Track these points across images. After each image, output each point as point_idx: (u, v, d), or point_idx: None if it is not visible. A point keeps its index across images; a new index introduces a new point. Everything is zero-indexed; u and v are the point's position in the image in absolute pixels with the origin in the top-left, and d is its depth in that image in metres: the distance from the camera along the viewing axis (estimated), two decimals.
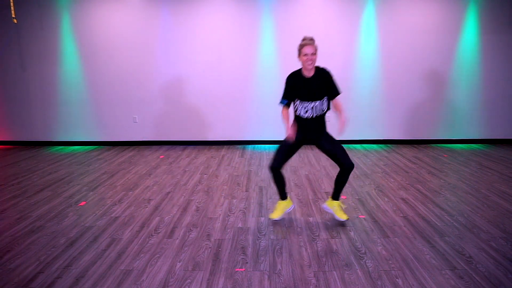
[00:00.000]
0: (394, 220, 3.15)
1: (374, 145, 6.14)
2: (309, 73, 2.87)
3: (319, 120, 2.94)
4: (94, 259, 2.56)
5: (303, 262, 2.51)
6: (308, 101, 2.86)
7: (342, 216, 3.07)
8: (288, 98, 2.94)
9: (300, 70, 2.94)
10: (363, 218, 3.21)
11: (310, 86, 2.85)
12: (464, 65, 5.96)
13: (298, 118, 2.96)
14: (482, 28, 5.83)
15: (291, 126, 2.94)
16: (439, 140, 6.22)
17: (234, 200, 3.66)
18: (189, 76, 6.04)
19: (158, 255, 2.61)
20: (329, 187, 4.03)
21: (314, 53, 2.80)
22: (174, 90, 6.09)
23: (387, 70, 5.98)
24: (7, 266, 2.50)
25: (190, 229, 3.02)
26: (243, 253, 2.63)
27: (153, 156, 5.54)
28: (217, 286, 2.25)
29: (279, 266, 2.46)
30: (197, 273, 2.39)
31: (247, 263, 2.51)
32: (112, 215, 3.32)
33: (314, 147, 6.00)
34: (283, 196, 3.11)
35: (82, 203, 3.62)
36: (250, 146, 6.16)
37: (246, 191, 3.93)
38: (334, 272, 2.39)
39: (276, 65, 5.97)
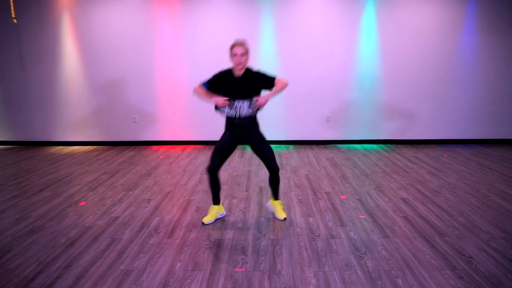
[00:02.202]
0: (394, 220, 3.16)
1: (374, 145, 6.14)
2: (239, 72, 2.98)
3: (248, 120, 2.98)
4: (94, 259, 2.56)
5: (303, 262, 2.51)
6: (234, 99, 2.93)
7: (281, 215, 3.19)
8: (210, 84, 3.02)
9: (231, 69, 3.03)
10: (363, 218, 3.21)
11: (237, 85, 2.93)
12: (464, 65, 5.96)
13: (227, 118, 3.04)
14: (482, 28, 5.84)
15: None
16: (439, 140, 6.22)
17: (234, 200, 3.66)
18: (189, 76, 6.04)
19: (158, 255, 2.61)
20: (329, 187, 4.03)
21: (244, 54, 2.90)
22: (174, 90, 6.09)
23: (387, 70, 5.98)
24: (7, 266, 2.50)
25: (190, 229, 3.02)
26: (243, 253, 2.63)
27: (153, 156, 5.55)
28: (217, 286, 2.25)
29: (279, 266, 2.46)
30: (197, 273, 2.39)
31: (247, 263, 2.51)
32: (112, 215, 3.32)
33: (314, 147, 6.03)
34: (216, 200, 3.17)
35: (82, 203, 3.62)
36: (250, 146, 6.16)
37: (246, 191, 3.93)
38: (334, 272, 2.39)
39: (276, 65, 5.97)
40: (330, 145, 6.17)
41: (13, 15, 5.61)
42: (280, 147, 6.08)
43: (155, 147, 6.13)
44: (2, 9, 5.82)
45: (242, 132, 3.02)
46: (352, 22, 5.85)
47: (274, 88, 2.91)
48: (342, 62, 5.96)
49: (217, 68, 6.06)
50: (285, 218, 3.19)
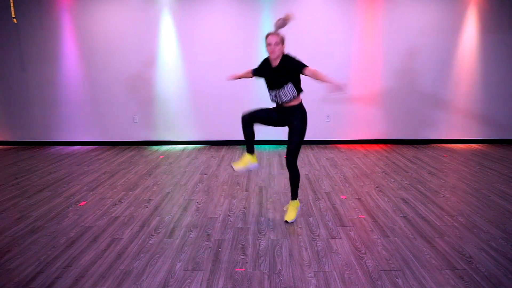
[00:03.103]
0: (394, 220, 3.15)
1: (374, 145, 6.14)
2: (274, 62, 2.94)
3: (289, 108, 2.97)
4: (94, 259, 2.56)
5: (303, 262, 2.51)
6: (271, 89, 2.97)
7: (287, 216, 3.14)
8: (257, 70, 3.06)
9: (269, 58, 3.00)
10: (363, 218, 3.21)
11: (273, 75, 2.93)
12: (464, 65, 5.96)
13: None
14: (482, 28, 5.84)
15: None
16: (439, 140, 6.22)
17: (234, 200, 3.66)
18: (189, 76, 6.05)
19: (158, 255, 2.61)
20: (329, 187, 4.03)
21: (278, 43, 2.85)
22: (174, 90, 6.10)
23: (387, 70, 5.98)
24: (7, 266, 2.50)
25: (190, 229, 3.02)
26: (243, 253, 2.63)
27: (153, 156, 5.55)
28: (217, 286, 2.25)
29: (279, 266, 2.46)
30: (197, 273, 2.39)
31: (247, 263, 2.51)
32: (112, 215, 3.32)
33: (314, 147, 6.03)
34: (249, 149, 3.10)
35: (82, 203, 3.62)
36: None
37: (246, 191, 3.93)
38: (334, 272, 2.39)
39: None
40: (330, 145, 6.17)
41: (13, 15, 5.61)
42: (280, 147, 6.08)
43: (155, 147, 6.13)
44: (2, 9, 5.82)
45: (287, 113, 2.98)
46: (352, 22, 5.85)
47: (319, 77, 2.76)
48: (342, 62, 5.96)
49: (216, 68, 6.10)
50: (286, 221, 3.13)
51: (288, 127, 3.02)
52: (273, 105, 3.09)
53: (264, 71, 3.01)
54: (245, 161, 3.09)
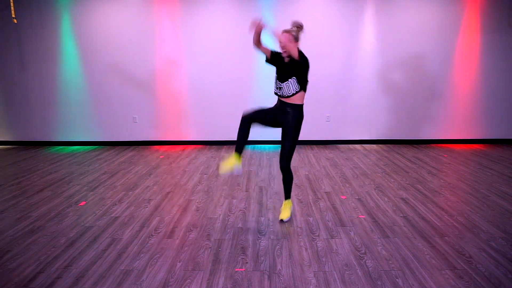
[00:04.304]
0: (394, 220, 3.16)
1: (374, 145, 6.14)
2: (286, 59, 2.96)
3: (286, 104, 2.98)
4: (94, 259, 2.56)
5: (303, 262, 2.51)
6: (279, 81, 2.99)
7: (282, 215, 3.17)
8: (275, 53, 3.02)
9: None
10: (363, 218, 3.21)
11: (283, 68, 2.96)
12: (464, 65, 5.96)
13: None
14: (482, 28, 5.84)
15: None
16: (439, 140, 6.22)
17: (234, 200, 3.66)
18: (189, 76, 6.05)
19: (158, 255, 2.61)
20: (329, 187, 4.03)
21: (291, 41, 2.85)
22: (174, 90, 6.09)
23: (387, 70, 5.98)
24: (7, 266, 2.50)
25: (190, 229, 3.02)
26: (243, 253, 2.63)
27: (153, 156, 5.54)
28: (217, 286, 2.25)
29: (279, 266, 2.46)
30: (197, 273, 2.39)
31: (247, 263, 2.51)
32: (112, 215, 3.32)
33: (314, 147, 6.03)
34: (239, 149, 3.01)
35: (82, 203, 3.62)
36: (250, 146, 6.16)
37: (246, 191, 3.93)
38: (334, 272, 2.39)
39: None
40: (330, 145, 6.17)
41: (13, 15, 5.60)
42: (279, 147, 6.08)
43: (155, 147, 6.13)
44: (2, 9, 5.82)
45: (285, 111, 2.99)
46: (352, 22, 5.85)
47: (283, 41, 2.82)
48: (342, 62, 5.96)
49: (216, 68, 6.10)
50: (281, 220, 3.14)
51: (282, 127, 3.03)
52: (273, 104, 3.11)
53: (278, 60, 3.01)
54: (232, 162, 2.98)
